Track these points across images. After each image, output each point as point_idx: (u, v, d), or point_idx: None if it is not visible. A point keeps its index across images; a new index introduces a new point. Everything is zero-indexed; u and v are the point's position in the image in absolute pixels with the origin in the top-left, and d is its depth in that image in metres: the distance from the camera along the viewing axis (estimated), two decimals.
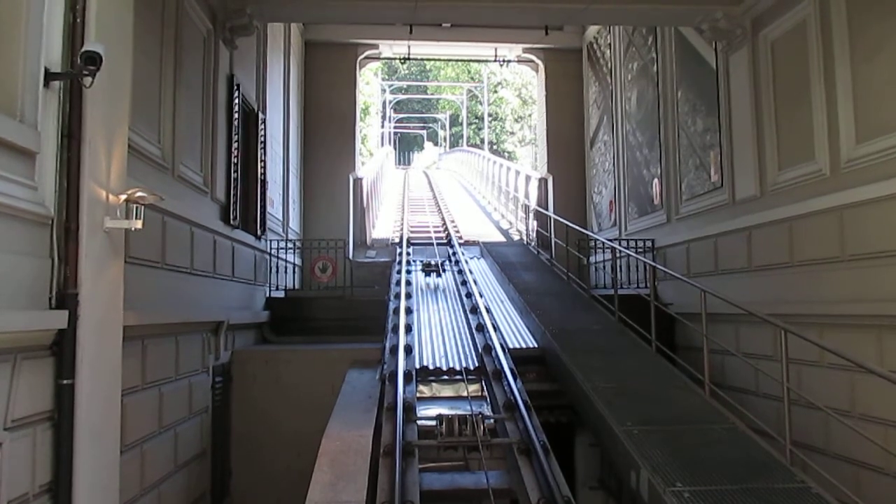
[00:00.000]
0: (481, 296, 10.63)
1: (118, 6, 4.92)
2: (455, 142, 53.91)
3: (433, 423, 5.97)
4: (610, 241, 12.25)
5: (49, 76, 4.15)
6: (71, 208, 4.25)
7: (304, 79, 16.28)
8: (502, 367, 7.38)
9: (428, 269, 12.81)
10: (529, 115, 44.82)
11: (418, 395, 7.25)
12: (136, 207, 4.83)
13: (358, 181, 17.17)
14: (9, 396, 3.82)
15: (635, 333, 8.61)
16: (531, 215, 17.33)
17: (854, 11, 7.24)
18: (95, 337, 4.41)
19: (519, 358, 8.09)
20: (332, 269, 12.69)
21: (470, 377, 7.72)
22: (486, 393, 7.50)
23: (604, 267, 13.54)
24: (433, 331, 9.41)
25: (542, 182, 17.23)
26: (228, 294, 9.47)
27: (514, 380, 7.05)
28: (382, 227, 20.26)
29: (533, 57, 17.56)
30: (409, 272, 12.36)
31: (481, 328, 8.89)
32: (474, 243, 16.27)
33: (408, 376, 7.21)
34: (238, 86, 9.97)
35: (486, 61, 22.92)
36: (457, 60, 35.67)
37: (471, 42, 17.32)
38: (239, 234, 9.98)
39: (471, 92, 52.58)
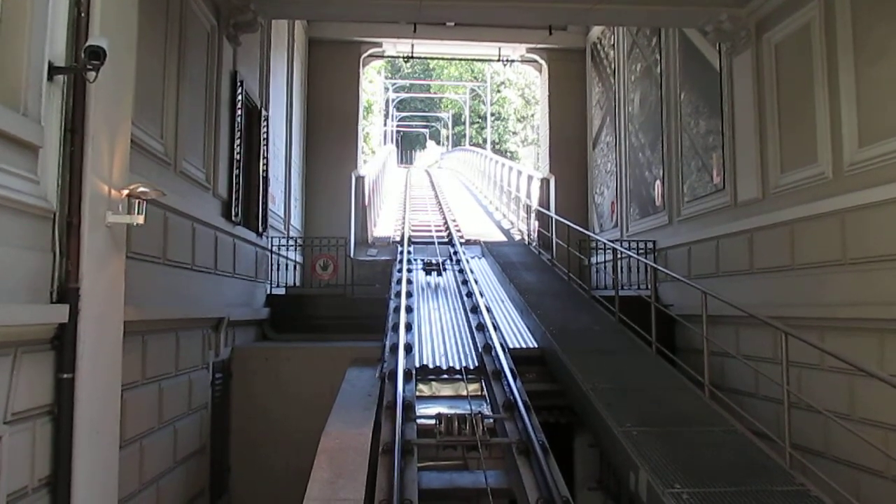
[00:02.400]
0: (482, 295, 10.63)
1: (122, 1, 4.92)
2: (457, 141, 53.94)
3: (432, 421, 5.97)
4: (611, 241, 12.24)
5: (53, 70, 4.14)
6: (73, 203, 4.25)
7: (308, 76, 16.28)
8: (502, 367, 7.38)
9: (429, 268, 12.81)
10: (532, 115, 44.81)
11: (418, 393, 7.25)
12: (138, 203, 4.82)
13: (360, 179, 17.16)
14: (9, 390, 3.82)
15: (636, 334, 8.62)
16: (533, 215, 17.33)
17: (858, 15, 7.23)
18: (96, 331, 4.41)
19: (519, 358, 8.09)
20: (333, 266, 12.69)
21: (470, 376, 7.72)
22: (485, 392, 7.50)
23: (605, 268, 13.53)
24: (433, 330, 9.41)
25: (544, 182, 17.23)
26: (229, 291, 9.48)
27: (514, 379, 7.05)
28: (384, 225, 20.27)
29: (536, 57, 17.54)
30: (409, 271, 12.35)
31: (481, 327, 8.89)
32: (475, 243, 16.28)
33: (407, 375, 7.21)
34: (241, 82, 9.97)
35: (490, 61, 22.92)
36: (460, 59, 35.58)
37: (474, 41, 17.29)
38: (240, 231, 9.98)
39: (474, 91, 52.59)
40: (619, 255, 10.88)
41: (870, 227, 6.90)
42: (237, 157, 9.75)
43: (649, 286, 9.54)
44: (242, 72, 10.10)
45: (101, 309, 4.47)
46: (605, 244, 12.70)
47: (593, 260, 14.01)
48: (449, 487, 5.69)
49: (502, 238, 18.45)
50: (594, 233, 15.19)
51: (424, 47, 18.15)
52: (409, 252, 14.30)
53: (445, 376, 7.94)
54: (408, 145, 60.92)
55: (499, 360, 7.63)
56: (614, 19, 12.38)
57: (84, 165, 4.29)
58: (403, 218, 20.42)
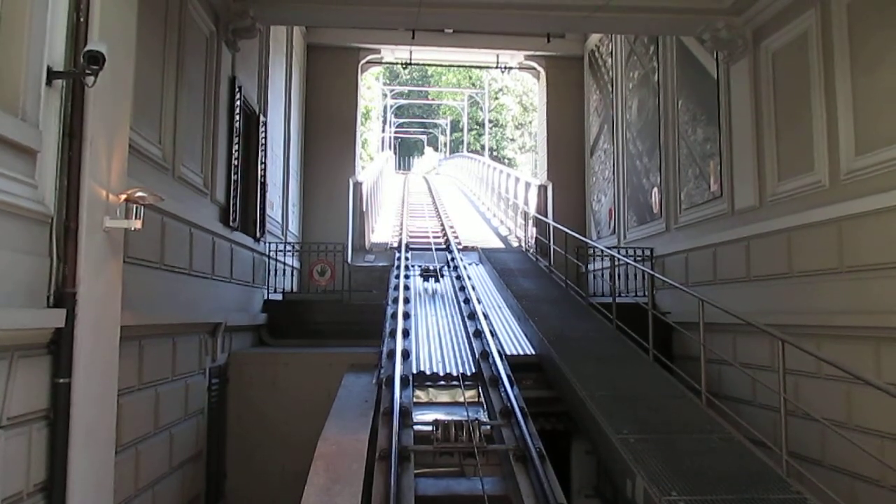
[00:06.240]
0: (479, 302, 10.62)
1: (121, 6, 4.93)
2: (455, 147, 54.01)
3: (429, 428, 5.97)
4: (609, 248, 12.25)
5: (51, 75, 4.15)
6: (71, 207, 4.25)
7: (306, 82, 16.31)
8: (499, 374, 7.38)
9: (426, 275, 12.80)
10: (530, 122, 44.94)
11: (415, 399, 7.24)
12: (136, 207, 4.82)
13: (358, 185, 17.18)
14: (5, 394, 3.81)
15: (633, 342, 8.61)
16: (530, 222, 17.35)
17: (855, 23, 7.27)
18: (93, 336, 4.40)
19: (516, 364, 8.08)
20: (330, 272, 12.68)
21: (467, 383, 7.72)
22: (482, 399, 7.49)
23: (602, 275, 13.55)
24: (431, 336, 9.41)
25: (542, 189, 17.25)
26: (226, 296, 9.46)
27: (511, 386, 7.05)
28: (381, 231, 20.27)
29: (534, 64, 17.59)
30: (407, 277, 12.35)
31: (479, 334, 8.89)
32: (473, 249, 16.29)
33: (405, 381, 7.21)
34: (240, 88, 9.98)
35: (488, 68, 22.98)
36: (458, 66, 35.78)
37: (473, 48, 17.34)
38: (238, 236, 9.97)
39: (472, 98, 52.70)
40: (616, 262, 10.89)
41: (866, 235, 6.91)
42: (235, 162, 9.75)
43: (647, 293, 9.54)
44: (241, 77, 10.11)
45: (98, 313, 4.47)
46: (602, 251, 12.72)
47: (591, 267, 14.02)
48: (445, 494, 5.67)
49: (500, 244, 18.45)
50: (592, 240, 15.21)
51: (423, 54, 18.20)
52: (406, 258, 14.30)
53: (442, 382, 7.94)
54: (406, 151, 60.95)
55: (496, 366, 7.62)
56: (612, 27, 12.42)
57: (82, 170, 4.29)
58: (401, 224, 20.43)
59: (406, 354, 8.09)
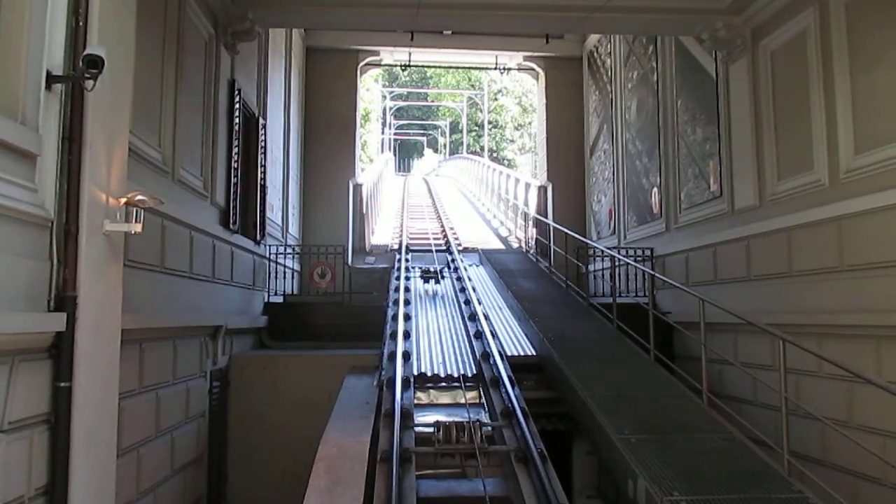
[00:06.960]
0: (480, 303, 10.62)
1: (120, 10, 4.93)
2: (455, 149, 54.05)
3: (431, 429, 5.96)
4: (609, 249, 12.26)
5: (51, 79, 4.15)
6: (71, 211, 4.24)
7: (305, 84, 16.31)
8: (500, 375, 7.37)
9: (427, 276, 12.80)
10: (529, 123, 44.96)
11: (416, 401, 7.24)
12: (136, 211, 4.82)
13: (357, 187, 17.19)
14: (6, 398, 3.81)
15: (634, 342, 8.61)
16: (530, 223, 17.36)
17: (854, 23, 7.27)
18: (93, 340, 4.40)
19: (517, 365, 8.08)
20: (330, 274, 12.68)
21: (468, 384, 7.71)
22: (483, 400, 7.49)
23: (602, 275, 13.54)
24: (431, 337, 9.41)
25: (542, 190, 17.26)
26: (227, 299, 9.46)
27: (512, 387, 7.05)
28: (381, 233, 20.27)
29: (533, 65, 17.60)
30: (407, 279, 12.36)
31: (479, 335, 8.89)
32: (473, 250, 16.30)
33: (406, 383, 7.20)
34: (239, 91, 9.98)
35: (487, 69, 23.01)
36: (457, 68, 35.80)
37: (471, 49, 17.36)
38: (238, 239, 9.97)
39: (471, 99, 52.74)
40: (616, 263, 10.89)
41: (866, 233, 6.91)
42: (235, 165, 9.75)
43: (647, 293, 9.54)
44: (240, 80, 10.11)
45: (98, 317, 4.47)
46: (602, 251, 12.72)
47: (591, 267, 14.02)
48: (447, 496, 5.67)
49: (500, 246, 18.46)
50: (592, 240, 15.20)
51: (422, 55, 18.21)
52: (407, 260, 14.31)
53: (443, 384, 7.93)
54: (405, 153, 60.99)
55: (497, 367, 7.62)
56: (611, 27, 12.42)
57: (82, 174, 4.29)
58: (401, 226, 20.44)
59: (407, 356, 8.08)
